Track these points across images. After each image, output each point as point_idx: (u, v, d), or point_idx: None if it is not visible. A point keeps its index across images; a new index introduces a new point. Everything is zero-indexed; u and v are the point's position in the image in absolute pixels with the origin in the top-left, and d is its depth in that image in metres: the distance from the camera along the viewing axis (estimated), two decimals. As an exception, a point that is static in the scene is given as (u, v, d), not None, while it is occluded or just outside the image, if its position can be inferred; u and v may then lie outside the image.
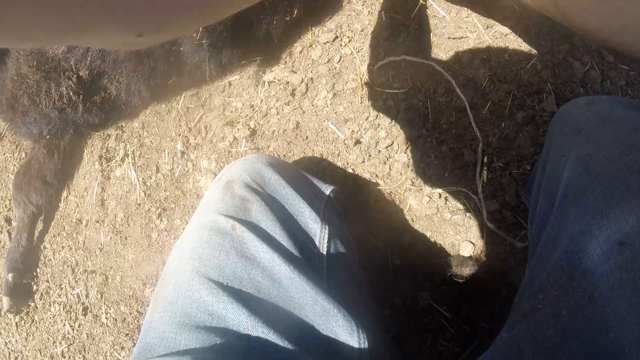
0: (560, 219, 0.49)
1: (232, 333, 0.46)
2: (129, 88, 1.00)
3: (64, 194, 1.28)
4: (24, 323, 1.30)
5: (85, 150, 1.21)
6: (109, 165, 1.17)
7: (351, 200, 0.87)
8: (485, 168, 0.84)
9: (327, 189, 0.74)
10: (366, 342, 0.53)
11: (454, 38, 0.95)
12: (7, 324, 1.34)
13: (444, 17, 0.97)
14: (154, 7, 0.24)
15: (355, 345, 0.52)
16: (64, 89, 0.99)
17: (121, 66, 0.97)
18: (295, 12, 0.94)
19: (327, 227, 0.62)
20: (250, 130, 0.96)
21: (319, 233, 0.61)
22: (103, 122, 1.14)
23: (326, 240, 0.61)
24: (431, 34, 0.95)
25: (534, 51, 0.93)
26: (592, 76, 0.90)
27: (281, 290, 0.51)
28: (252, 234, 0.54)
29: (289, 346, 0.46)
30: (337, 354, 0.50)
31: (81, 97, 1.01)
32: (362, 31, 0.98)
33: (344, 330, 0.51)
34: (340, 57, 0.96)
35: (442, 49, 0.94)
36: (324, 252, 0.59)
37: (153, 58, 0.96)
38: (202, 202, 0.64)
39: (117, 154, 1.15)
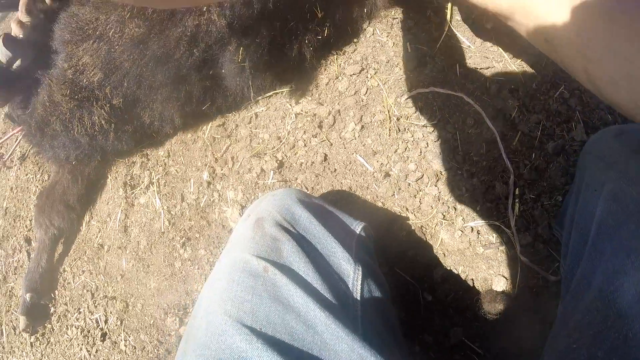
0: (594, 256, 0.49)
1: None
2: (162, 115, 1.01)
3: (87, 218, 1.29)
4: (39, 344, 1.30)
5: (109, 176, 1.22)
6: (133, 192, 1.18)
7: (381, 235, 0.87)
8: (517, 200, 0.84)
9: (358, 226, 0.73)
10: None
11: (480, 68, 0.95)
12: (22, 343, 1.34)
13: (469, 46, 0.97)
14: None
15: None
16: (97, 117, 1.00)
17: (156, 92, 0.97)
18: (326, 31, 0.94)
19: (360, 267, 0.62)
20: (278, 162, 0.96)
21: (352, 274, 0.61)
22: (130, 149, 1.15)
23: (359, 282, 0.60)
24: (457, 64, 0.95)
25: (561, 79, 0.93)
26: (621, 104, 0.89)
27: (316, 336, 0.50)
28: (285, 276, 0.53)
29: None
30: None
31: (113, 126, 1.02)
32: (387, 62, 0.98)
33: None
34: (367, 89, 0.96)
35: (469, 80, 0.94)
36: (358, 295, 0.59)
37: (189, 84, 0.96)
38: (232, 239, 0.64)
39: (142, 182, 1.16)
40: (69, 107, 1.02)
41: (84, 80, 0.99)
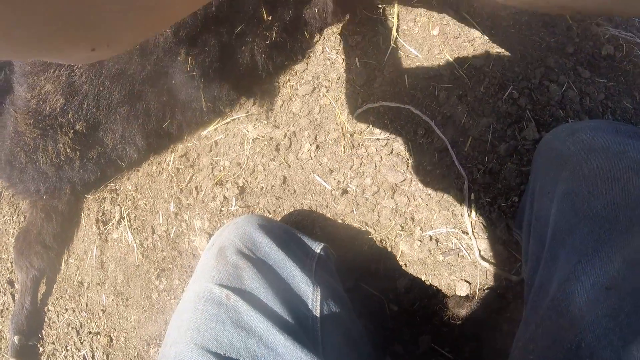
0: (550, 263, 0.49)
1: None
2: (124, 137, 1.02)
3: (65, 256, 1.30)
4: None
5: (82, 213, 1.22)
6: (105, 228, 1.19)
7: (344, 251, 0.88)
8: (473, 205, 0.85)
9: (318, 247, 0.75)
10: None
11: (428, 77, 0.96)
12: (15, 386, 1.34)
13: (417, 56, 0.99)
14: (103, 23, 0.25)
15: None
16: (61, 145, 1.01)
17: (115, 112, 0.98)
18: (274, 35, 0.96)
19: (319, 289, 0.64)
20: (239, 188, 0.98)
21: (311, 296, 0.63)
22: (98, 181, 1.15)
23: (318, 302, 0.62)
24: (406, 75, 0.97)
25: (510, 79, 0.94)
26: (570, 96, 0.91)
27: (277, 358, 0.52)
28: (246, 303, 0.55)
29: None
30: None
31: (78, 153, 1.03)
32: (338, 80, 0.99)
33: None
34: (320, 108, 0.98)
35: (418, 89, 0.96)
36: (317, 315, 0.61)
37: (145, 100, 0.97)
38: (197, 269, 0.66)
39: (113, 217, 1.17)
40: (33, 136, 1.02)
41: (47, 108, 0.99)
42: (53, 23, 0.22)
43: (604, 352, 0.34)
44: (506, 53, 0.97)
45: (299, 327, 0.57)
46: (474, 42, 0.98)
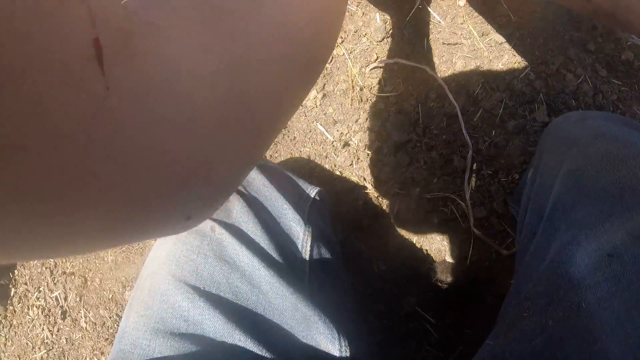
0: (549, 231, 0.48)
1: (208, 340, 0.44)
2: None
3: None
4: (2, 327, 1.25)
5: None
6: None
7: (338, 203, 0.85)
8: (474, 175, 0.84)
9: (313, 191, 0.72)
10: (348, 350, 0.52)
11: (448, 44, 0.94)
12: (-15, 328, 1.29)
13: (440, 22, 0.96)
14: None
15: (337, 353, 0.51)
16: None
17: None
18: None
19: (310, 229, 0.61)
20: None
21: (301, 236, 0.60)
22: None
23: (309, 243, 0.59)
24: (426, 38, 0.95)
25: (528, 61, 0.93)
26: (584, 89, 0.90)
27: (260, 296, 0.49)
28: (232, 236, 0.52)
29: (268, 354, 0.44)
30: None
31: None
32: (355, 32, 0.97)
33: (325, 337, 0.50)
34: (332, 57, 0.95)
35: (436, 55, 0.94)
36: (307, 257, 0.58)
37: None
38: None
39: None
40: None
41: None
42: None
43: (605, 313, 0.33)
44: (529, 36, 0.96)
45: (286, 266, 0.54)
46: (499, 19, 0.96)
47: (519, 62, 0.93)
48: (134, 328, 0.46)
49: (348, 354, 0.52)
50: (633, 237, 0.36)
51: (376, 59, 0.92)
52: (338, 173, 0.88)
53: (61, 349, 1.12)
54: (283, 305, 0.48)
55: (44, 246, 0.18)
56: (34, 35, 0.14)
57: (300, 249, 0.58)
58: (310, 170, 0.89)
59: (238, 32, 0.24)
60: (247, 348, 0.44)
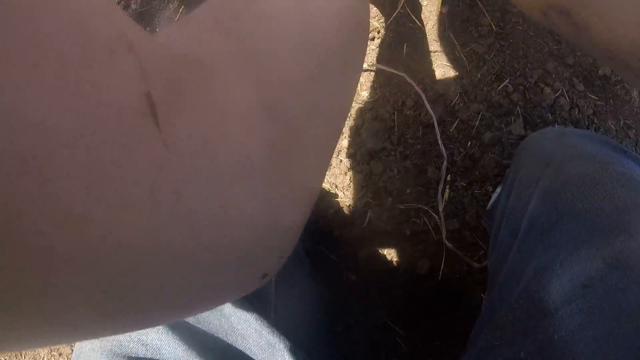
0: (523, 252, 0.48)
1: None
2: None
3: None
4: None
5: None
6: None
7: (309, 210, 0.83)
8: (447, 186, 0.82)
9: None
10: None
11: (428, 51, 0.93)
12: None
13: (421, 27, 0.95)
14: None
15: None
16: None
17: None
18: None
19: None
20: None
21: None
22: None
23: None
24: (406, 44, 0.93)
25: (507, 73, 0.92)
26: (561, 103, 0.90)
27: (222, 320, 0.46)
28: None
29: None
30: None
31: None
32: (335, 34, 0.94)
33: None
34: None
35: (415, 61, 0.92)
36: (273, 277, 0.55)
37: None
38: None
39: None
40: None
41: None
42: None
43: (577, 346, 0.33)
44: (509, 47, 0.95)
45: None
46: (481, 29, 0.95)
47: (497, 74, 0.92)
48: (90, 349, 0.43)
49: None
50: (608, 266, 0.36)
51: (354, 63, 0.90)
52: (310, 179, 0.85)
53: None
54: (246, 331, 0.46)
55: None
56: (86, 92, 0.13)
57: None
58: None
59: (273, 57, 0.23)
60: None
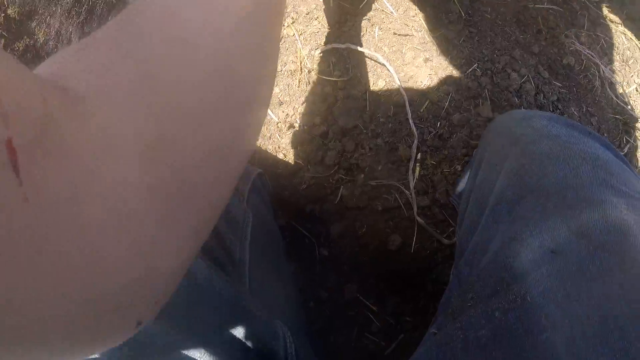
0: (491, 224, 0.49)
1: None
2: (59, 34, 0.90)
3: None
4: None
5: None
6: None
7: (280, 187, 0.82)
8: (418, 164, 0.83)
9: (254, 172, 0.68)
10: (292, 345, 0.48)
11: (399, 35, 0.94)
12: None
13: (392, 12, 0.96)
14: None
15: (281, 351, 0.47)
16: None
17: (57, 4, 0.87)
18: None
19: (250, 215, 0.57)
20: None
21: (241, 222, 0.56)
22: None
23: (249, 230, 0.55)
24: (377, 27, 0.94)
25: (476, 58, 0.95)
26: (527, 88, 0.93)
27: (197, 289, 0.44)
28: None
29: (206, 352, 0.40)
30: (261, 358, 0.45)
31: (3, 41, 0.89)
32: (307, 14, 0.94)
33: (268, 335, 0.46)
34: (282, 37, 0.92)
35: (387, 44, 0.93)
36: (246, 245, 0.54)
37: None
38: None
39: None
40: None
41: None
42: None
43: (549, 306, 0.35)
44: (477, 34, 0.98)
45: (225, 254, 0.49)
46: (450, 16, 0.97)
47: (466, 58, 0.94)
48: None
49: (292, 350, 0.49)
50: (575, 234, 0.37)
51: (326, 43, 0.90)
52: (282, 155, 0.84)
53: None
54: (220, 300, 0.44)
55: None
56: None
57: (239, 235, 0.54)
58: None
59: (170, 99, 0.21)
60: (183, 347, 0.39)
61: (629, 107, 1.00)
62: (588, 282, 0.34)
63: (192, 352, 0.38)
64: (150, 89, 0.20)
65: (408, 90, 0.88)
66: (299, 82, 0.88)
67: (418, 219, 0.79)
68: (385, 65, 0.88)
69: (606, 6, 1.09)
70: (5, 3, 0.88)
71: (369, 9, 0.96)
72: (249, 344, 0.44)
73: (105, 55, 0.20)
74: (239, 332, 0.44)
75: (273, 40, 0.30)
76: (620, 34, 1.07)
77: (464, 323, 0.40)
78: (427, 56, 0.92)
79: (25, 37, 0.94)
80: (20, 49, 0.95)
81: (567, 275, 0.35)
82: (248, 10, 0.26)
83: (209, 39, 0.23)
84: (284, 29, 0.93)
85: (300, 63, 0.89)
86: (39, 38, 0.93)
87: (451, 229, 0.81)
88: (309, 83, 0.88)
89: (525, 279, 0.37)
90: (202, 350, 0.39)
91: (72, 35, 0.91)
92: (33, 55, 0.98)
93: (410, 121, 0.85)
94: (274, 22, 0.30)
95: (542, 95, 0.95)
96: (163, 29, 0.22)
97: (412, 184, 0.81)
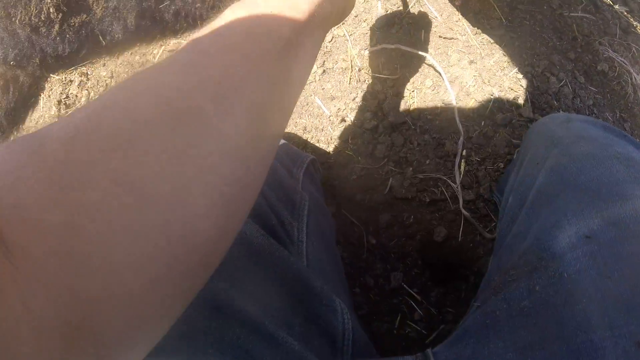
0: (531, 215, 0.53)
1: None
2: (116, 10, 0.93)
3: (13, 137, 1.16)
4: None
5: (42, 94, 1.11)
6: (67, 112, 1.08)
7: (331, 176, 0.86)
8: (463, 160, 0.86)
9: (307, 158, 0.72)
10: (350, 322, 0.51)
11: (444, 38, 0.98)
12: None
13: (436, 17, 1.00)
14: None
15: (340, 326, 0.50)
16: (48, 1, 0.90)
17: None
18: None
19: (306, 197, 0.60)
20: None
21: (298, 202, 0.59)
22: (70, 59, 1.04)
23: (305, 212, 0.58)
24: (423, 30, 0.98)
25: (516, 62, 0.98)
26: (565, 92, 0.96)
27: (260, 264, 0.45)
28: None
29: (270, 325, 0.40)
30: (321, 333, 0.47)
31: (61, 15, 0.92)
32: (356, 17, 0.98)
33: (327, 309, 0.49)
34: (333, 37, 0.96)
35: (432, 46, 0.97)
36: (304, 226, 0.56)
37: None
38: None
39: (79, 101, 1.06)
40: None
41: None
42: None
43: (584, 281, 0.39)
44: (518, 39, 1.02)
45: (285, 234, 0.52)
46: (492, 22, 1.01)
47: (508, 62, 0.98)
48: None
49: (350, 326, 0.51)
50: (608, 223, 0.42)
51: (375, 44, 0.94)
52: (333, 146, 0.88)
53: None
54: (282, 276, 0.45)
55: None
56: None
57: (297, 217, 0.57)
58: (305, 141, 0.88)
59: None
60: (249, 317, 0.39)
61: (663, 114, 1.03)
62: (619, 262, 0.39)
63: (255, 317, 0.39)
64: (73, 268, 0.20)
65: (454, 89, 0.92)
66: (350, 79, 0.91)
67: (464, 211, 0.81)
68: (433, 66, 0.92)
69: (637, 16, 1.13)
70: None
71: (415, 13, 1.00)
72: (307, 314, 0.46)
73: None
74: (300, 302, 0.46)
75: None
76: (652, 43, 1.11)
77: (508, 296, 0.45)
78: (472, 58, 0.96)
79: (83, 13, 0.97)
80: (76, 25, 0.98)
81: (600, 257, 0.40)
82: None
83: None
84: (335, 29, 0.97)
85: (351, 61, 0.93)
86: (96, 13, 0.96)
87: (493, 224, 0.84)
88: (359, 81, 0.92)
89: (562, 259, 0.42)
90: (262, 316, 0.40)
91: (129, 12, 0.94)
92: (88, 32, 1.01)
93: (457, 118, 0.89)
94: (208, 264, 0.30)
95: (578, 99, 0.98)
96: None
97: (458, 179, 0.84)
